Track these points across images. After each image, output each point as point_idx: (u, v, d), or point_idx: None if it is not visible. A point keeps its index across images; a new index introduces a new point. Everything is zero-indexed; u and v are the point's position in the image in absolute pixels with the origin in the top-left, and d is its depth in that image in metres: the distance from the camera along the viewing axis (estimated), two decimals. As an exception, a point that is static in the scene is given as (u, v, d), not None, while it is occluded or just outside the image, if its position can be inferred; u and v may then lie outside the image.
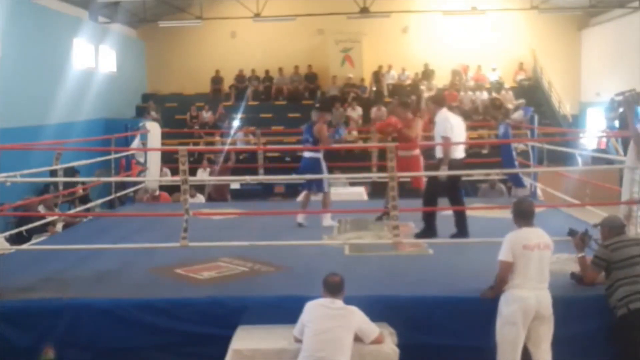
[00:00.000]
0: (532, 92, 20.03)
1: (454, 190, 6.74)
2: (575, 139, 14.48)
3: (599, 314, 4.75)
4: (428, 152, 7.60)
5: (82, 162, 9.66)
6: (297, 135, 9.30)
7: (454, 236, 6.56)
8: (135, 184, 10.12)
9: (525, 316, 4.44)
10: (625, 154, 6.64)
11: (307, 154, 7.72)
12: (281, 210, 8.85)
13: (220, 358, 4.45)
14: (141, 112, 19.50)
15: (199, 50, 21.21)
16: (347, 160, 13.60)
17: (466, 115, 17.80)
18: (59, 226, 9.60)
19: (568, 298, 4.76)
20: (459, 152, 6.64)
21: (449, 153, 6.51)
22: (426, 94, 19.51)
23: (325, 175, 7.80)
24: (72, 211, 11.15)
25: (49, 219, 9.17)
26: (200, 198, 11.61)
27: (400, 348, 4.42)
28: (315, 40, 21.23)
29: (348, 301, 4.41)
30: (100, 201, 10.50)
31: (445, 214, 6.96)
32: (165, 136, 13.05)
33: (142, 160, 10.10)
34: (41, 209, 10.13)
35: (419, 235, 6.73)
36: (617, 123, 15.16)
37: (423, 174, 7.32)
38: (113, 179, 9.89)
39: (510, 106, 17.90)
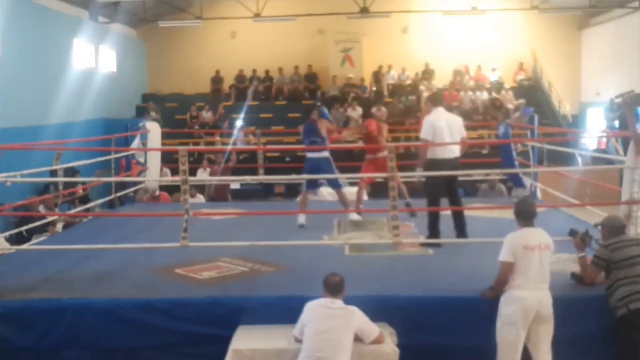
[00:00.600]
0: (532, 92, 20.02)
1: (430, 190, 6.68)
2: (576, 139, 14.47)
3: (599, 314, 4.75)
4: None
5: (82, 162, 9.67)
6: (297, 135, 9.29)
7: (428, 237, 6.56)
8: (135, 184, 10.12)
9: (526, 317, 4.44)
10: (625, 154, 6.63)
11: (314, 154, 7.58)
12: (281, 210, 8.85)
13: (220, 358, 4.45)
14: (141, 112, 19.51)
15: (199, 50, 21.21)
16: (347, 160, 13.59)
17: (466, 115, 17.82)
18: (59, 226, 9.61)
19: (568, 298, 4.76)
20: (447, 152, 6.50)
21: (423, 154, 6.51)
22: (425, 94, 19.58)
23: (325, 175, 7.80)
24: (72, 211, 11.15)
25: (49, 219, 9.17)
26: (200, 198, 11.61)
27: (400, 348, 4.42)
28: (315, 40, 21.22)
29: (348, 301, 4.41)
30: (100, 201, 10.50)
31: (445, 213, 6.94)
32: (165, 136, 13.07)
33: (142, 160, 10.10)
34: (41, 209, 10.14)
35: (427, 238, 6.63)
36: (617, 123, 15.17)
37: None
38: (113, 179, 9.89)
39: (510, 106, 17.91)
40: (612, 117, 16.02)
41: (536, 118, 11.60)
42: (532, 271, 4.50)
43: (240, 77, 20.96)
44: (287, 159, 15.82)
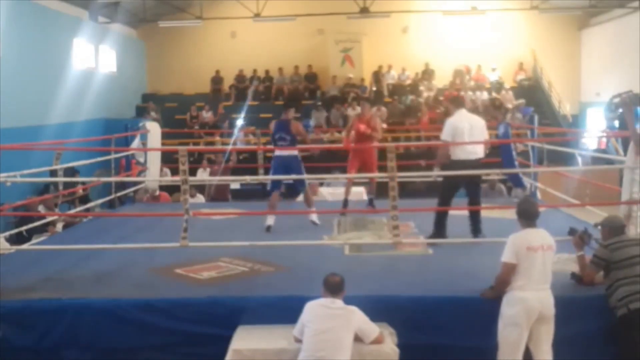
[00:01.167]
0: (532, 92, 20.03)
1: (443, 190, 6.81)
2: (576, 139, 14.47)
3: (599, 314, 4.75)
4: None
5: (82, 162, 9.67)
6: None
7: (430, 236, 6.60)
8: (135, 184, 10.12)
9: (528, 317, 4.44)
10: (625, 154, 6.63)
11: (283, 152, 7.38)
12: (281, 210, 8.84)
13: (220, 358, 4.45)
14: (141, 112, 19.51)
15: (199, 50, 21.20)
16: (347, 160, 13.58)
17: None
18: (59, 226, 9.60)
19: (568, 298, 4.75)
20: (468, 154, 6.56)
21: (441, 155, 6.65)
22: (425, 94, 19.59)
23: (325, 176, 7.80)
24: (72, 211, 11.15)
25: (49, 219, 9.17)
26: (200, 198, 11.61)
27: (400, 348, 4.42)
28: (315, 40, 21.22)
29: (348, 301, 4.41)
30: (100, 201, 10.50)
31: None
32: (165, 136, 13.06)
33: (142, 160, 10.11)
34: (41, 209, 10.14)
35: (430, 237, 6.66)
36: (617, 123, 15.16)
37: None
38: (113, 179, 9.89)
39: (510, 106, 17.92)
40: (611, 117, 16.01)
41: (536, 118, 11.61)
42: (535, 272, 4.49)
43: (240, 77, 20.96)
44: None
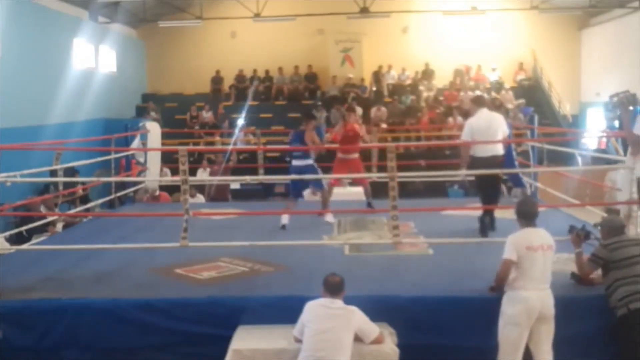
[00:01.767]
0: (532, 92, 20.02)
1: (480, 188, 7.20)
2: (576, 139, 14.46)
3: (599, 314, 4.76)
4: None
5: (82, 162, 9.67)
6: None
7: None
8: (135, 184, 10.13)
9: (529, 317, 4.44)
10: (625, 154, 6.64)
11: (300, 162, 7.74)
12: (281, 210, 8.84)
13: (220, 358, 4.46)
14: (141, 112, 19.50)
15: (199, 50, 21.20)
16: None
17: (466, 115, 17.81)
18: (59, 226, 9.60)
19: (568, 298, 4.76)
20: (485, 151, 6.82)
21: (463, 155, 6.96)
22: (425, 94, 19.58)
23: (325, 176, 7.85)
24: (72, 211, 11.15)
25: (49, 219, 9.17)
26: (200, 198, 11.61)
27: (400, 348, 4.43)
28: (315, 40, 21.22)
29: (348, 301, 4.41)
30: (100, 201, 10.50)
31: (445, 213, 6.97)
32: (165, 136, 13.07)
33: (142, 160, 10.11)
34: (41, 209, 10.13)
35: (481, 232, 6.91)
36: (617, 123, 15.15)
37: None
38: (113, 179, 9.89)
39: (510, 106, 17.91)
40: (611, 117, 16.01)
41: (536, 118, 11.61)
42: (535, 272, 4.50)
43: (240, 77, 20.96)
44: (287, 158, 15.77)
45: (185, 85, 21.12)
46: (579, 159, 11.30)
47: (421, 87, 19.86)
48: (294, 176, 7.68)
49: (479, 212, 7.01)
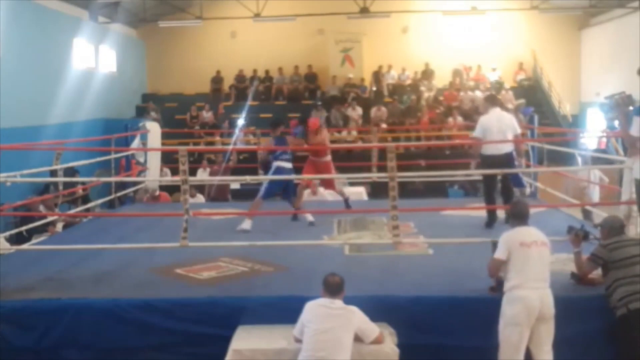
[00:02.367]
0: (532, 92, 20.02)
1: (485, 185, 7.42)
2: (576, 139, 14.47)
3: (599, 314, 4.76)
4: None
5: (82, 162, 9.66)
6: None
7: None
8: (135, 184, 10.12)
9: (529, 317, 4.43)
10: (625, 154, 6.64)
11: (286, 165, 7.87)
12: (281, 210, 8.85)
13: (220, 358, 4.45)
14: (141, 112, 19.50)
15: (199, 50, 21.20)
16: (347, 160, 13.60)
17: (466, 115, 17.83)
18: (59, 226, 9.60)
19: (568, 298, 4.76)
20: (495, 150, 6.99)
21: (474, 153, 7.27)
22: (426, 94, 19.58)
23: (326, 176, 7.91)
24: (72, 211, 11.15)
25: (49, 219, 9.17)
26: (200, 198, 11.61)
27: (400, 348, 4.42)
28: (315, 40, 21.22)
29: (348, 301, 4.41)
30: (100, 201, 10.50)
31: (445, 213, 6.98)
32: (165, 136, 13.06)
33: (142, 160, 10.11)
34: (41, 209, 10.13)
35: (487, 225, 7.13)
36: (617, 123, 15.14)
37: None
38: (113, 179, 9.89)
39: (510, 106, 17.90)
40: (611, 117, 15.99)
41: (536, 118, 11.60)
42: (531, 269, 4.49)
43: (240, 77, 20.96)
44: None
45: (185, 85, 21.11)
46: (579, 159, 11.30)
47: (421, 87, 19.85)
48: (294, 176, 7.69)
49: (478, 213, 7.02)
